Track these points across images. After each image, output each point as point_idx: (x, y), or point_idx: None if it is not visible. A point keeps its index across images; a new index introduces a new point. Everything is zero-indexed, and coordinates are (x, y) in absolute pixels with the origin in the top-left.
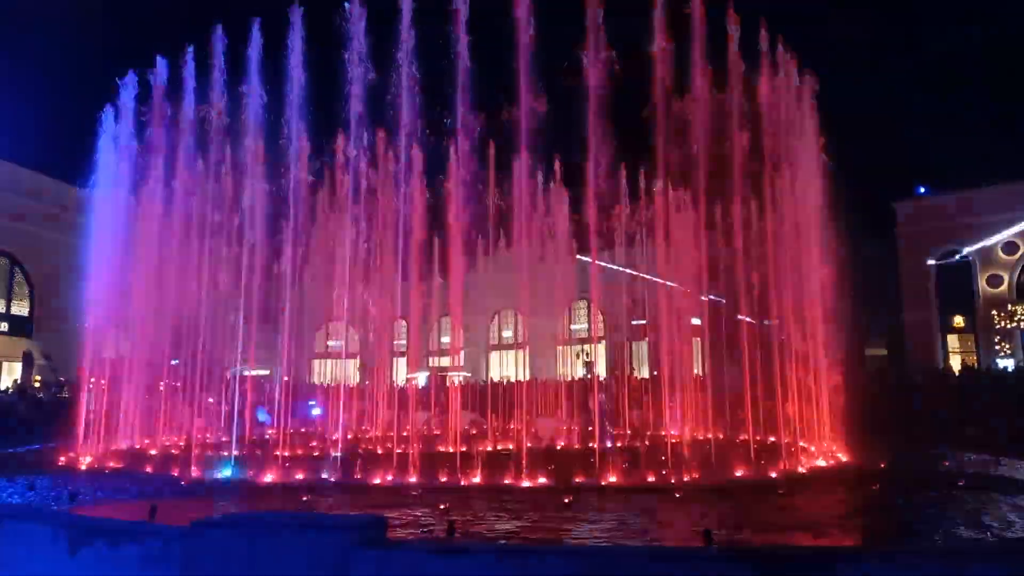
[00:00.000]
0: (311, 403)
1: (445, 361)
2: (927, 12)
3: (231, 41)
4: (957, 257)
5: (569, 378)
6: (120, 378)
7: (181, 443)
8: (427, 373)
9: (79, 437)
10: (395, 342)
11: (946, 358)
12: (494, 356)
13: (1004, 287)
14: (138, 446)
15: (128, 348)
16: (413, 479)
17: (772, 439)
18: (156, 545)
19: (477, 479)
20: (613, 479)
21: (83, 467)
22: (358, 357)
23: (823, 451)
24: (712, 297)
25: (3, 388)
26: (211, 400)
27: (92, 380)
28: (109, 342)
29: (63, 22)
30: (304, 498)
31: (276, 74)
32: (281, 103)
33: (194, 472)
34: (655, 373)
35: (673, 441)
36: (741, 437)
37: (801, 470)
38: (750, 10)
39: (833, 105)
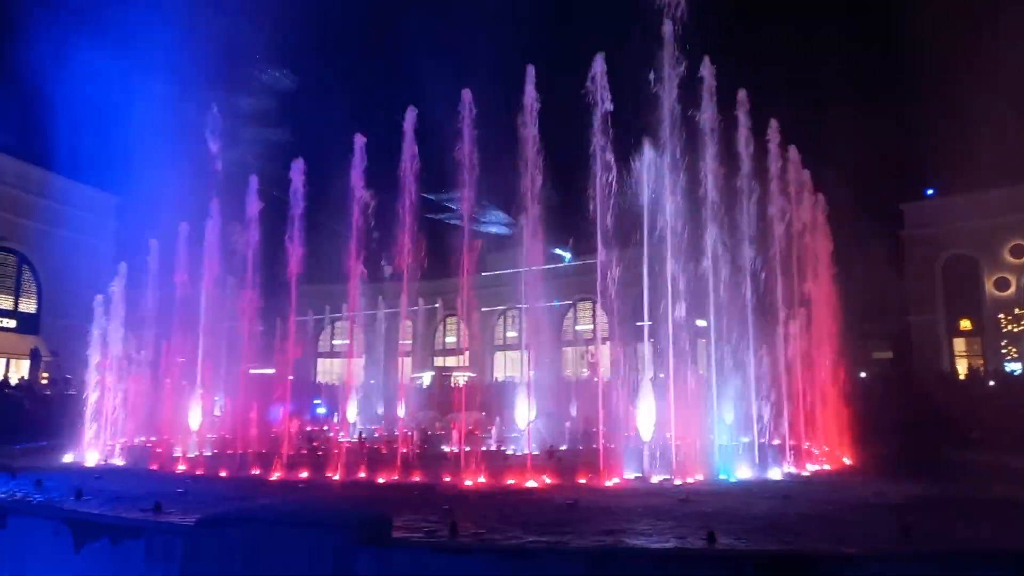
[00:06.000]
0: (316, 401)
1: (451, 361)
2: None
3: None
4: (964, 260)
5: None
6: (125, 376)
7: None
8: (431, 373)
9: (85, 434)
10: (400, 342)
11: (952, 361)
12: (499, 356)
13: (1011, 290)
14: (145, 442)
15: (135, 346)
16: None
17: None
18: (160, 542)
19: None
20: None
21: (89, 464)
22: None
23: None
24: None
25: (11, 384)
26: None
27: (98, 377)
28: (116, 339)
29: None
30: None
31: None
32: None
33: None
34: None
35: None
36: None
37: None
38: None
39: (840, 108)
